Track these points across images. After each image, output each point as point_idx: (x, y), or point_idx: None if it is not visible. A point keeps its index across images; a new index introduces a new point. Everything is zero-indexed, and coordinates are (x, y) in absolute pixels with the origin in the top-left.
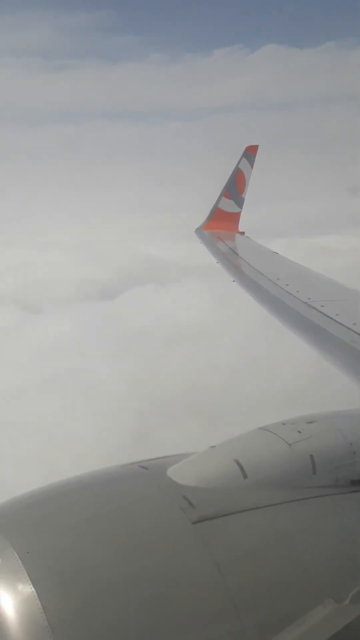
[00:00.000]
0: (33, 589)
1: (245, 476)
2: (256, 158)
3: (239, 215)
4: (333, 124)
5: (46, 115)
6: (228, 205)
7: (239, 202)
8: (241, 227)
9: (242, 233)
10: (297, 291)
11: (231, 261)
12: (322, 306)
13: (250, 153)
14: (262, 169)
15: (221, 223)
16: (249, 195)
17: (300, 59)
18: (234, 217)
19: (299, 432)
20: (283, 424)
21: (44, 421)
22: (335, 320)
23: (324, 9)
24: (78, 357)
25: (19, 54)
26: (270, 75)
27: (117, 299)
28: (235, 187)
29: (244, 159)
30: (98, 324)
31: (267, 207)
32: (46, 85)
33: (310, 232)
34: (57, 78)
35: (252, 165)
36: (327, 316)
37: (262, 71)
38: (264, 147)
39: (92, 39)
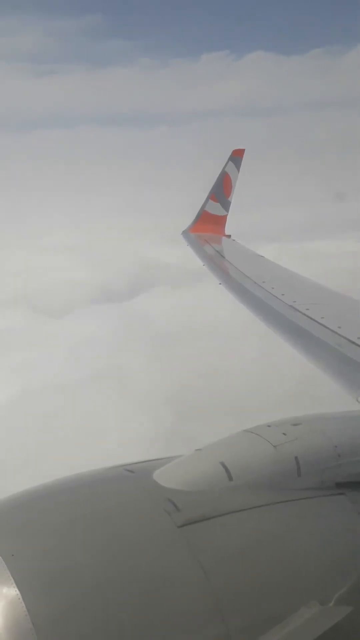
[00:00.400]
0: (18, 592)
1: (230, 478)
2: (245, 163)
3: (226, 218)
4: (322, 130)
5: (34, 120)
6: (215, 208)
7: (226, 205)
8: (232, 231)
9: (229, 236)
10: (283, 294)
11: (217, 264)
12: (308, 309)
13: (236, 157)
14: (253, 174)
15: (208, 226)
16: (240, 199)
17: (287, 66)
18: (221, 220)
19: (284, 434)
20: (268, 426)
21: (70, 420)
22: (320, 324)
23: (311, 16)
24: (103, 358)
25: (7, 58)
26: (258, 81)
27: (131, 301)
28: (222, 190)
29: (230, 162)
30: (117, 326)
31: (258, 212)
32: (34, 89)
33: (302, 237)
34: (45, 82)
35: (238, 168)
36: (313, 319)
37: (250, 77)
38: (253, 153)
39: (80, 44)
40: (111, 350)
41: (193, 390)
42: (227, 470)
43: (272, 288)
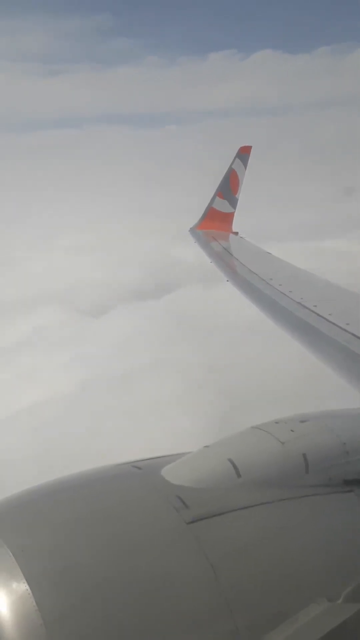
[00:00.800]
0: (27, 587)
1: (238, 475)
2: (253, 162)
3: (233, 216)
4: (329, 128)
5: (43, 120)
6: (222, 205)
7: (233, 203)
8: (240, 230)
9: (236, 233)
10: (290, 291)
11: (225, 261)
12: (315, 306)
13: (243, 154)
14: (260, 173)
15: (215, 223)
16: (247, 199)
17: (294, 64)
18: (228, 217)
19: (292, 431)
20: (276, 422)
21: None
22: (328, 320)
23: (318, 15)
24: (147, 354)
25: (15, 58)
26: (265, 80)
27: (162, 299)
28: (229, 188)
29: (237, 159)
30: (154, 323)
31: (266, 211)
32: (43, 89)
33: (309, 236)
34: (53, 82)
35: (245, 165)
36: (320, 316)
37: (257, 75)
38: (261, 151)
39: (88, 43)
40: (150, 349)
41: (203, 386)
42: (235, 467)
43: (280, 285)
